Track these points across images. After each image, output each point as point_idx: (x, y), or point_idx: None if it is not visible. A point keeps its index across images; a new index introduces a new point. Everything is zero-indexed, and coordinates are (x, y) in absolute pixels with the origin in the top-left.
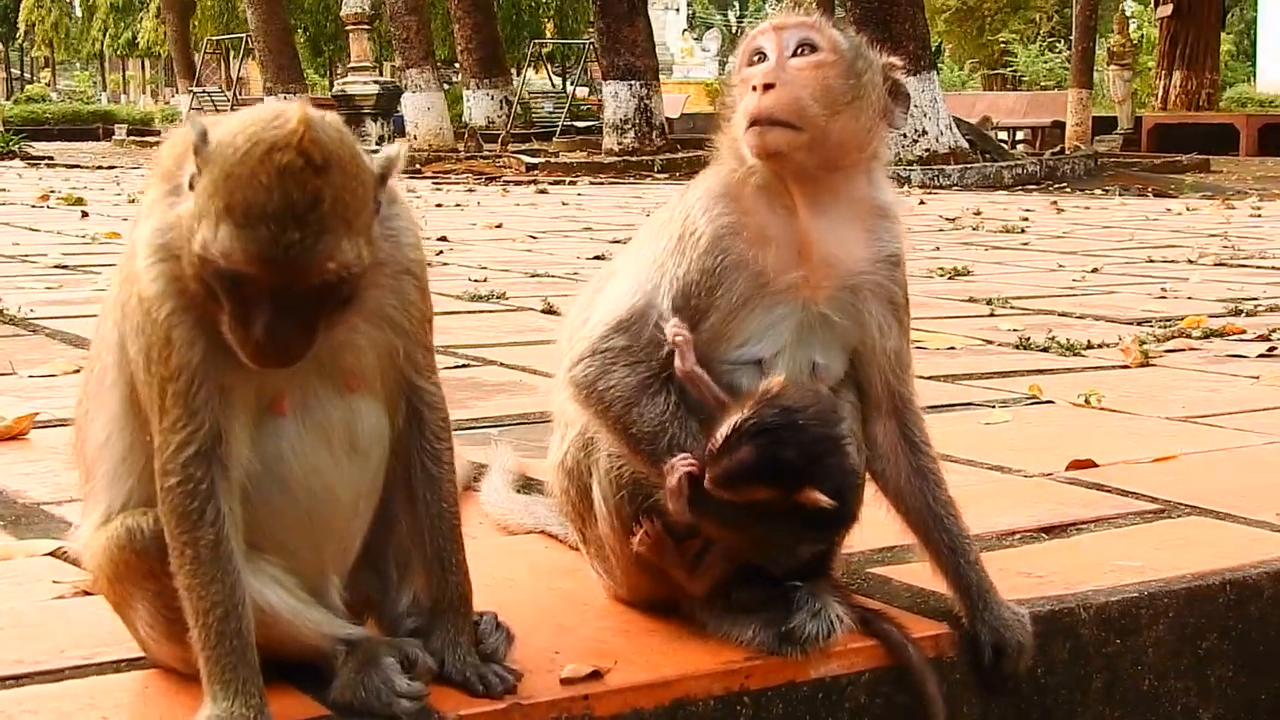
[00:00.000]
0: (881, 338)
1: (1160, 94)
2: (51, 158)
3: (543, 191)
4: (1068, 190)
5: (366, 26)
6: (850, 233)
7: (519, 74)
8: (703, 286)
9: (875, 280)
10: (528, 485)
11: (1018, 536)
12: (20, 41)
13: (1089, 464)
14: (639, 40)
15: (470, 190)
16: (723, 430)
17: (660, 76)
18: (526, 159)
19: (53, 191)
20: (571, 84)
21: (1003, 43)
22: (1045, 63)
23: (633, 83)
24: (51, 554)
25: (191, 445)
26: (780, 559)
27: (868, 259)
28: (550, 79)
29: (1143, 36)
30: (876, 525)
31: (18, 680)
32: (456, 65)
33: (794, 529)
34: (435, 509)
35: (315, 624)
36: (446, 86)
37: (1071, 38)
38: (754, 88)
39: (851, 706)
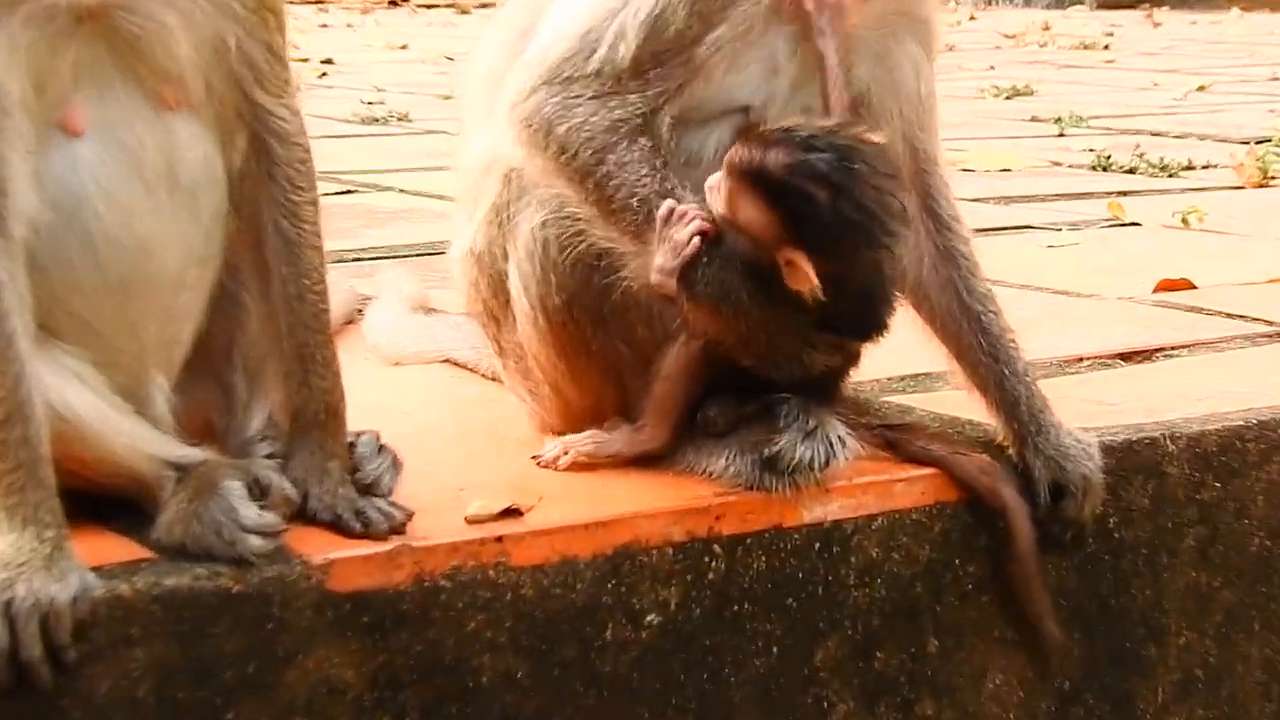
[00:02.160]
0: (916, 78)
1: None
2: None
3: (464, 12)
4: (1167, 8)
5: None
6: None
7: None
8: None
9: (910, 5)
10: (429, 313)
11: (1086, 363)
12: None
13: (1183, 284)
14: None
15: (366, 10)
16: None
17: None
18: None
19: None
20: None
21: None
22: None
23: None
24: None
25: None
26: (782, 367)
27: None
28: None
29: None
30: (892, 349)
31: None
32: None
33: (806, 322)
34: (294, 288)
35: (133, 439)
36: None
37: None
38: None
39: (859, 562)
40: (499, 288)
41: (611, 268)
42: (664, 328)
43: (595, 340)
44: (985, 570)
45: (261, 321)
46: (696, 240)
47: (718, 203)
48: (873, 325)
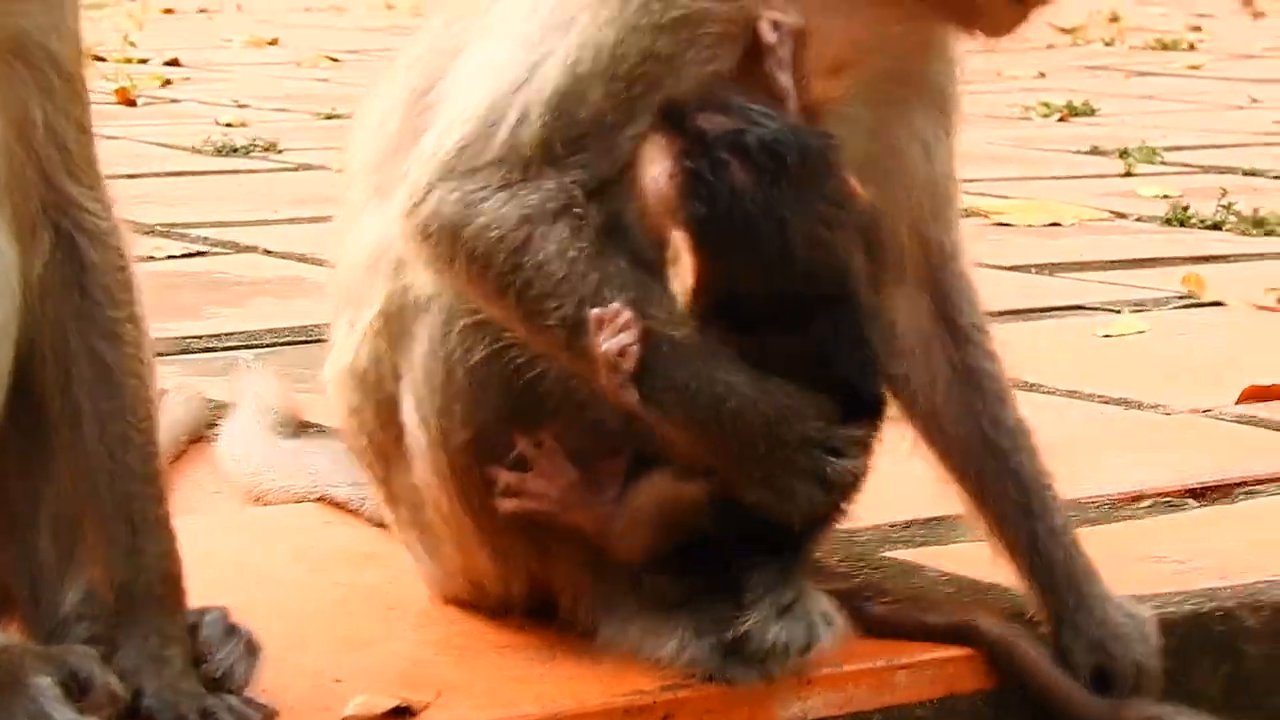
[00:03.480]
0: (926, 159)
1: None
2: None
3: None
4: None
5: None
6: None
7: None
8: (639, 74)
9: (917, 71)
10: (302, 430)
11: (1146, 503)
12: None
13: (1277, 392)
14: None
15: None
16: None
17: None
18: None
19: None
20: None
21: None
22: None
23: None
24: None
25: None
26: (796, 492)
27: (905, 37)
28: None
29: None
30: (896, 487)
31: None
32: None
33: (812, 410)
34: (115, 428)
35: None
36: None
37: None
38: None
39: None
40: (389, 418)
41: (537, 399)
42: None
43: None
44: None
45: (74, 471)
46: (634, 350)
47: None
48: (857, 385)
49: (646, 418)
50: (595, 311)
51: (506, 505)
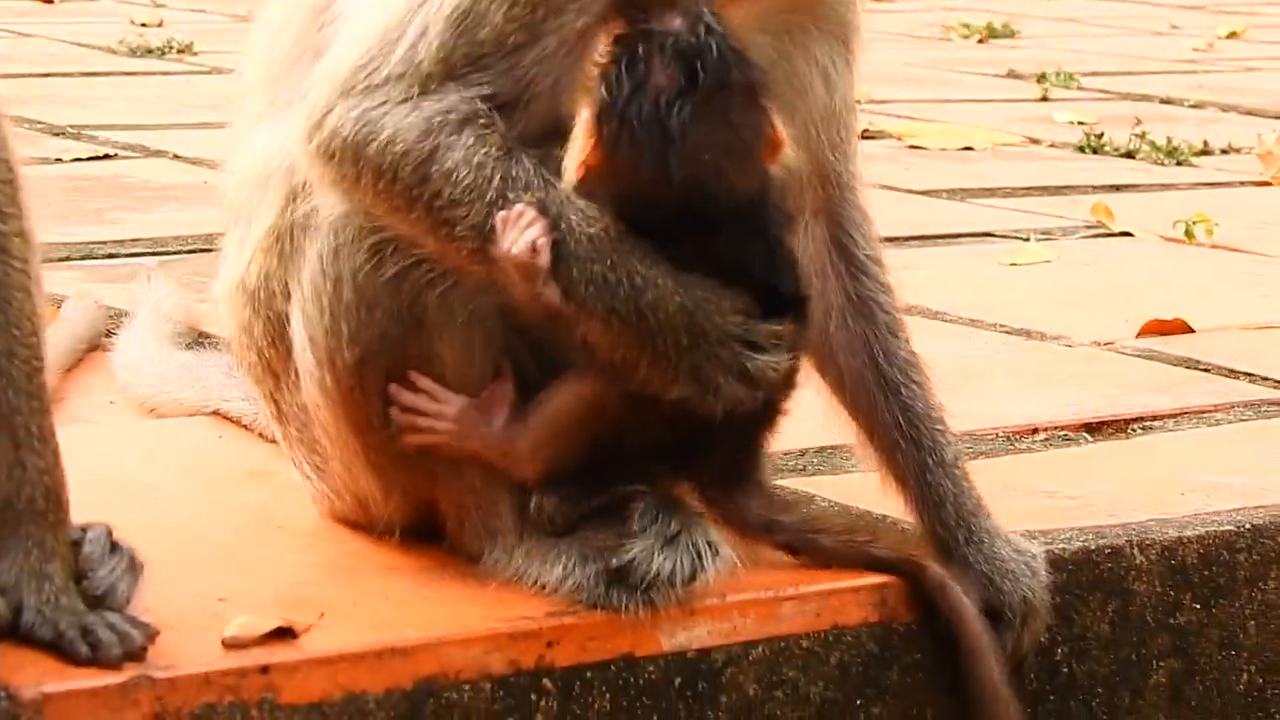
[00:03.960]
0: (826, 89)
1: None
2: None
3: None
4: None
5: None
6: None
7: None
8: (536, 5)
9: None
10: (201, 342)
11: (1041, 436)
12: None
13: (1177, 326)
14: None
15: None
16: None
17: None
18: None
19: None
20: None
21: None
22: None
23: None
24: None
25: None
26: (722, 387)
27: None
28: None
29: None
30: (789, 416)
31: None
32: None
33: (734, 304)
34: (0, 344)
35: None
36: None
37: None
38: None
39: (732, 702)
40: (278, 335)
41: (425, 315)
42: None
43: None
44: (895, 715)
45: None
46: (544, 244)
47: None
48: (780, 283)
49: (567, 315)
50: (500, 214)
51: (410, 439)
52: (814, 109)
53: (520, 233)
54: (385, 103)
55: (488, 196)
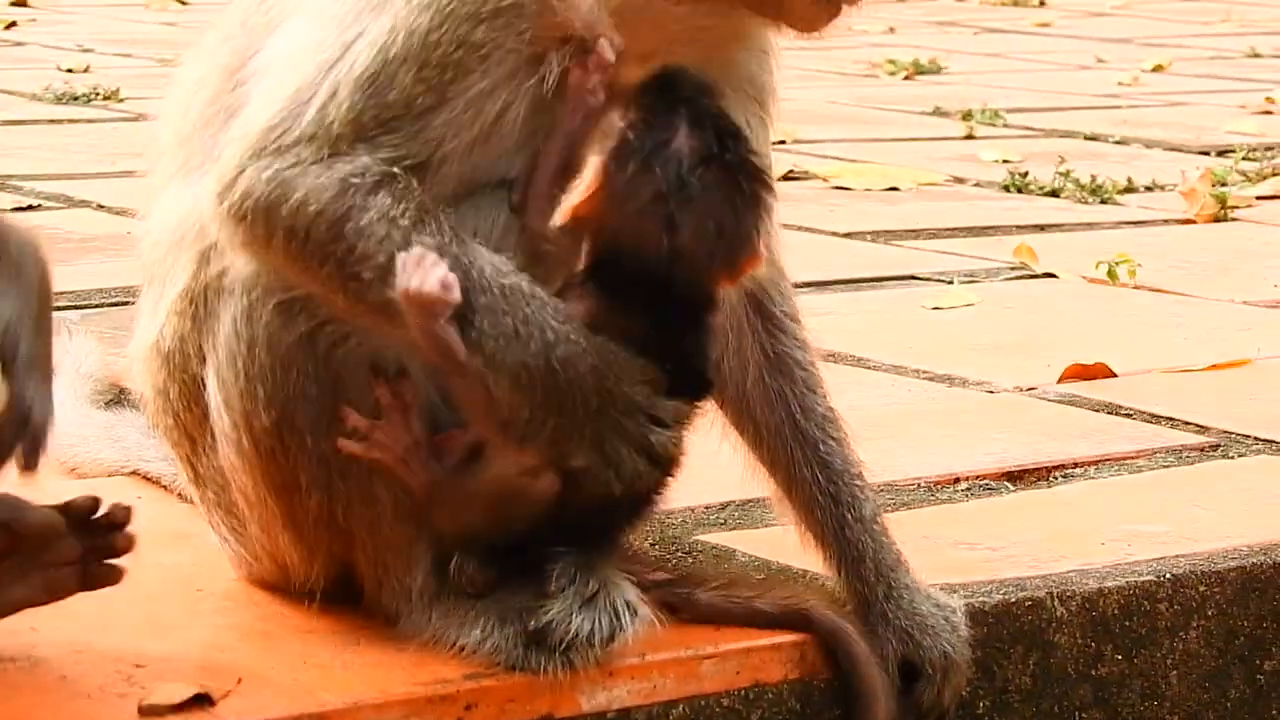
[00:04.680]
0: None
1: None
2: None
3: None
4: None
5: None
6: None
7: None
8: (451, 60)
9: (729, 60)
10: (121, 398)
11: (963, 486)
12: None
13: (1099, 371)
14: None
15: None
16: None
17: None
18: None
19: None
20: None
21: None
22: None
23: None
24: None
25: None
26: (623, 461)
27: (714, 30)
28: None
29: None
30: (708, 470)
31: None
32: None
33: (642, 373)
34: None
35: None
36: None
37: None
38: None
39: None
40: (194, 398)
41: (340, 373)
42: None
43: (315, 474)
44: None
45: None
46: (452, 278)
47: None
48: (693, 364)
49: (470, 366)
50: (401, 255)
51: (352, 448)
52: None
53: (426, 271)
54: (297, 164)
55: (396, 246)
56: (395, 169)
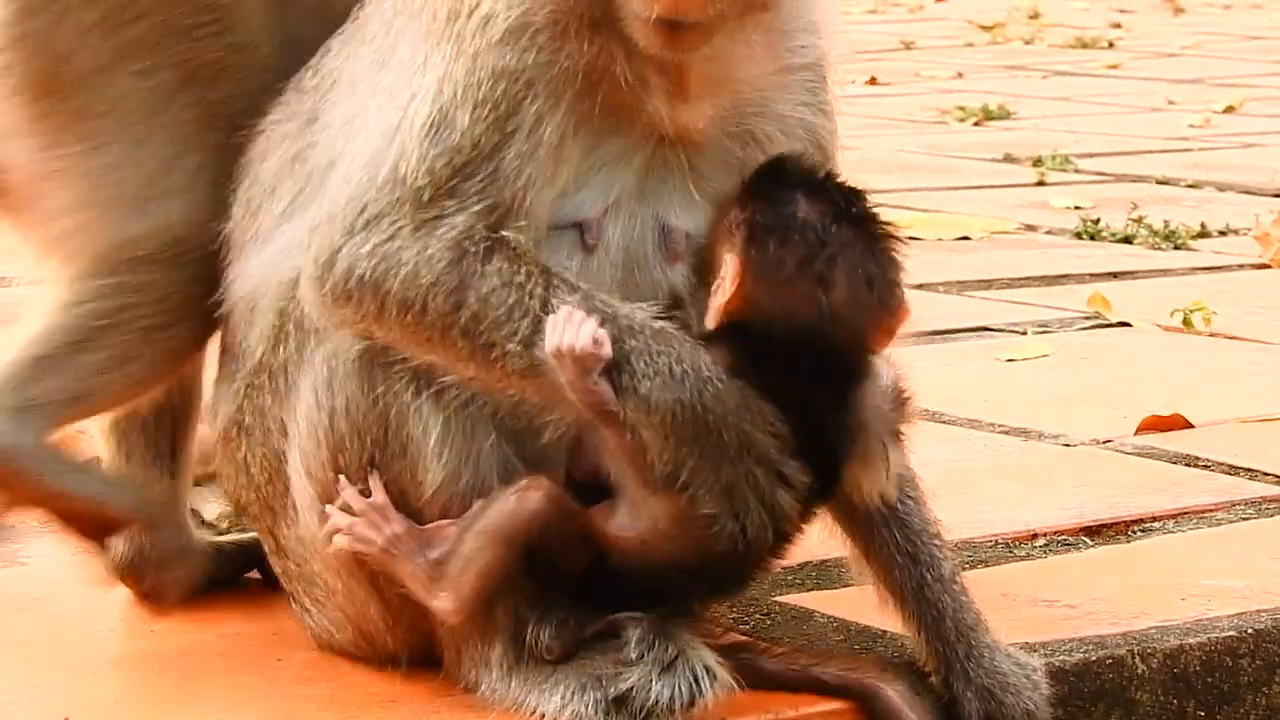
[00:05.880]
0: None
1: None
2: None
3: None
4: None
5: None
6: (744, 33)
7: None
8: (485, 95)
9: (786, 103)
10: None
11: (1041, 542)
12: None
13: (1176, 423)
14: None
15: None
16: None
17: None
18: None
19: None
20: None
21: None
22: None
23: None
24: None
25: None
26: (750, 512)
27: (772, 69)
28: None
29: None
30: None
31: None
32: None
33: (779, 438)
34: None
35: None
36: None
37: None
38: None
39: None
40: (275, 471)
41: (409, 439)
42: None
43: None
44: None
45: None
46: (603, 333)
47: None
48: (829, 447)
49: (617, 413)
50: (550, 317)
51: (337, 541)
52: None
53: (575, 328)
54: (394, 234)
55: (533, 311)
56: (496, 225)
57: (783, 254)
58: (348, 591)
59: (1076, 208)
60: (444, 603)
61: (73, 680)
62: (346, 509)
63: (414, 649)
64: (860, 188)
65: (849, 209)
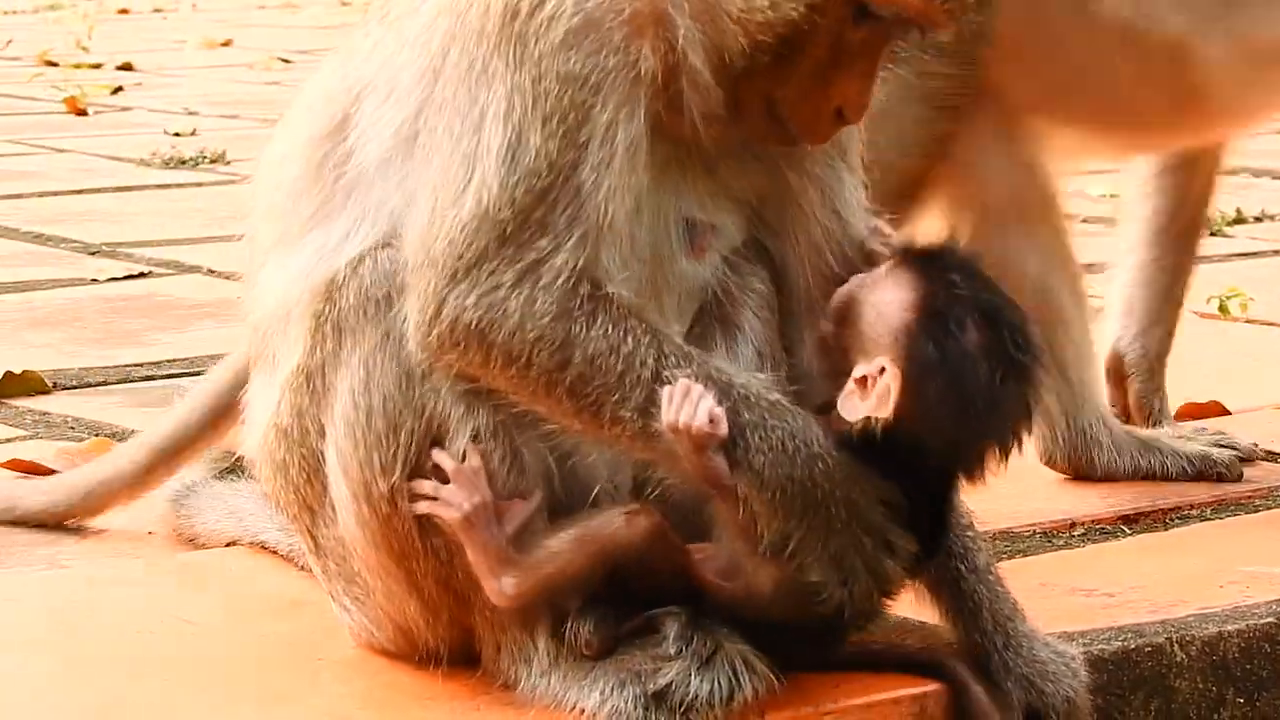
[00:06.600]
0: (821, 194)
1: None
2: None
3: None
4: None
5: None
6: None
7: None
8: (553, 105)
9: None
10: (236, 468)
11: (1079, 531)
12: None
13: (1213, 409)
14: None
15: None
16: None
17: None
18: None
19: None
20: None
21: None
22: None
23: None
24: None
25: None
26: (855, 579)
27: None
28: None
29: None
30: None
31: None
32: None
33: (887, 512)
34: None
35: None
36: None
37: None
38: None
39: None
40: (314, 471)
41: (445, 436)
42: None
43: (432, 539)
44: None
45: None
46: (720, 411)
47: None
48: (936, 532)
49: (731, 486)
50: (666, 389)
51: (419, 507)
52: (824, 207)
53: (693, 405)
54: (496, 281)
55: (644, 378)
56: (596, 272)
57: (947, 395)
58: (386, 590)
59: (1113, 195)
60: (505, 586)
61: (113, 682)
62: (439, 473)
63: (453, 646)
64: (1023, 314)
65: (1016, 350)
